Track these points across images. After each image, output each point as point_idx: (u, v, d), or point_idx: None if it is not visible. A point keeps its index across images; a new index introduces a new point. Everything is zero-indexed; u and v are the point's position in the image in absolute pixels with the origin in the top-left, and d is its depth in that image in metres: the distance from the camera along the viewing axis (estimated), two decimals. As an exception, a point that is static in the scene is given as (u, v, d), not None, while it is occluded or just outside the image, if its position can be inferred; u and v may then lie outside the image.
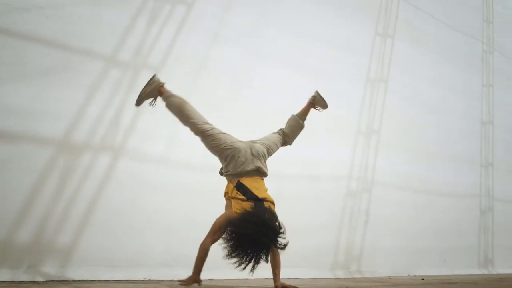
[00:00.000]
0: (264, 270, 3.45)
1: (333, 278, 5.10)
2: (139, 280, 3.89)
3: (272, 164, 5.03)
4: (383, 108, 6.33)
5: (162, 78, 4.38)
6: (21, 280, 3.34)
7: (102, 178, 3.95)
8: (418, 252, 6.32)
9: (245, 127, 4.93)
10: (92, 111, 4.00)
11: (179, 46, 4.64)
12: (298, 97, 5.45)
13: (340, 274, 5.30)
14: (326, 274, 5.14)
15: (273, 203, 3.35)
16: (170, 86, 4.38)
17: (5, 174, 3.47)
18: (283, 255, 4.85)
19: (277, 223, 3.09)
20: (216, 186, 4.54)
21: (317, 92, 3.89)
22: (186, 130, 4.00)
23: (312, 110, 3.93)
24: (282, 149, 5.16)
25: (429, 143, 6.80)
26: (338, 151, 5.71)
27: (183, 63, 4.68)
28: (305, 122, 3.89)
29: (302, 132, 5.37)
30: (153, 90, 3.47)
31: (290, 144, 3.93)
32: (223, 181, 4.60)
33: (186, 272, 3.27)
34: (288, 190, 5.10)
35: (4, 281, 3.25)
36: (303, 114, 3.87)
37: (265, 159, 3.54)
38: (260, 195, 3.25)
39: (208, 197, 4.32)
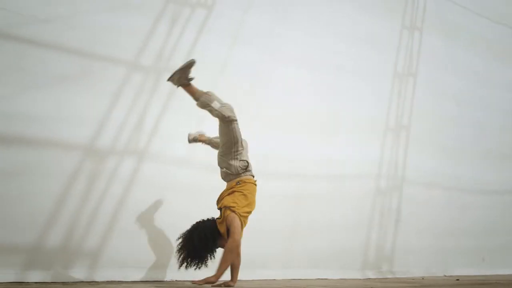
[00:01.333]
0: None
1: (363, 279, 4.99)
2: (166, 281, 3.94)
3: (294, 164, 5.01)
4: (412, 103, 6.14)
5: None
6: (51, 281, 3.45)
7: (127, 181, 4.02)
8: (454, 251, 6.09)
9: (266, 129, 4.94)
10: (116, 115, 4.08)
11: (199, 49, 4.66)
12: (321, 96, 5.43)
13: (371, 274, 5.17)
14: (355, 274, 5.03)
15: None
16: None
17: (33, 179, 3.59)
18: (310, 255, 4.84)
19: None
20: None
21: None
22: (210, 130, 4.05)
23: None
24: (304, 148, 5.15)
25: (461, 138, 6.54)
26: (365, 149, 5.58)
27: (203, 65, 4.62)
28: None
29: (325, 131, 5.34)
30: (182, 77, 3.40)
31: None
32: None
33: (208, 273, 3.27)
34: (312, 189, 5.05)
35: (36, 282, 3.37)
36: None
37: None
38: None
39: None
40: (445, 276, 5.73)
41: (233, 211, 3.26)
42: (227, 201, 3.33)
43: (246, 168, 3.49)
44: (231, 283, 3.36)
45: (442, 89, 6.52)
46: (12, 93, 3.67)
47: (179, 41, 4.60)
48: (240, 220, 3.26)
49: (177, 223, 4.13)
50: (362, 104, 5.71)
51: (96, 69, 4.07)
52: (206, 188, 4.37)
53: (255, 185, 3.52)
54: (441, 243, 5.99)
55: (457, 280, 5.15)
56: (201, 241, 3.23)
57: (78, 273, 3.60)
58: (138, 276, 3.83)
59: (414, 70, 6.26)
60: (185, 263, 3.28)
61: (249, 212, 3.41)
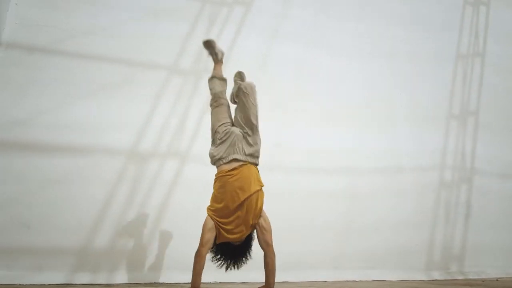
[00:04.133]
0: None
1: (428, 280, 4.58)
2: (209, 282, 3.92)
3: (345, 158, 4.75)
4: (480, 86, 5.55)
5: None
6: (98, 283, 3.59)
7: (170, 183, 4.08)
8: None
9: (314, 123, 4.74)
10: (158, 119, 4.17)
11: (239, 47, 4.62)
12: (374, 86, 5.10)
13: (437, 275, 4.74)
14: (418, 275, 4.64)
15: None
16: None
17: (79, 185, 3.78)
18: (365, 255, 4.55)
19: None
20: (281, 186, 4.43)
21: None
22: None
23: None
24: (357, 141, 4.86)
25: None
26: (424, 138, 5.14)
27: (244, 63, 4.60)
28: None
29: (379, 121, 5.00)
30: (214, 53, 3.55)
31: None
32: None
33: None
34: (365, 184, 4.77)
35: (83, 284, 3.53)
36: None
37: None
38: None
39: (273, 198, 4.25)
40: (529, 277, 5.10)
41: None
42: None
43: (214, 159, 3.16)
44: None
45: (515, 67, 5.82)
46: (59, 105, 3.90)
47: (218, 40, 4.55)
48: (213, 219, 2.95)
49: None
50: (421, 91, 5.28)
51: (136, 76, 4.20)
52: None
53: (228, 175, 3.04)
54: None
55: (540, 282, 4.55)
56: None
57: (122, 275, 3.71)
58: (182, 278, 3.84)
59: (481, 49, 5.66)
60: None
61: (218, 209, 2.98)
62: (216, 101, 3.33)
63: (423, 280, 4.56)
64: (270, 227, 3.07)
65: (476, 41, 5.65)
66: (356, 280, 4.35)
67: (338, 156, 4.78)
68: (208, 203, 3.08)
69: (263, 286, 3.05)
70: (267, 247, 3.00)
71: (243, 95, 3.21)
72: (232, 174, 3.02)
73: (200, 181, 4.18)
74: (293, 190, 4.48)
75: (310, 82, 4.86)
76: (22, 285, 3.36)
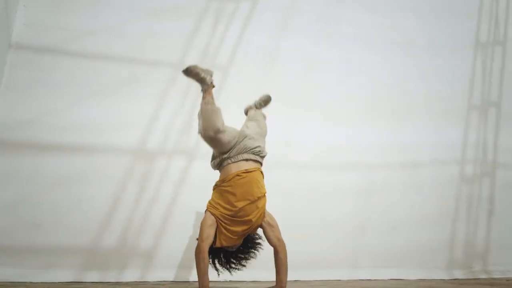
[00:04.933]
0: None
1: (448, 280, 4.37)
2: (220, 281, 3.85)
3: (357, 153, 4.61)
4: (502, 75, 5.29)
5: (231, 77, 4.43)
6: (107, 281, 3.59)
7: (177, 181, 4.05)
8: None
9: (326, 118, 4.64)
10: (164, 117, 4.15)
11: (246, 43, 4.57)
12: (388, 78, 4.94)
13: (459, 274, 4.51)
14: (438, 274, 4.43)
15: None
16: (241, 85, 4.37)
17: (88, 184, 3.79)
18: (381, 253, 4.39)
19: None
20: (293, 183, 4.34)
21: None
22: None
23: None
24: (371, 136, 4.71)
25: None
26: (444, 131, 4.92)
27: (252, 59, 4.58)
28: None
29: (394, 115, 4.83)
30: (200, 79, 3.11)
31: None
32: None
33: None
34: (381, 180, 4.61)
35: (92, 282, 3.53)
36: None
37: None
38: None
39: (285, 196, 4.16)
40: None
41: (206, 209, 2.96)
42: None
43: (219, 159, 3.09)
44: None
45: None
46: (67, 106, 3.94)
47: (224, 37, 4.54)
48: (214, 216, 2.86)
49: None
50: (439, 82, 5.07)
51: (143, 74, 4.19)
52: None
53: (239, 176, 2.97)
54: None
55: None
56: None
57: (131, 274, 3.69)
58: (191, 276, 3.81)
59: (502, 37, 5.39)
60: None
61: (224, 208, 2.89)
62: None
63: (443, 279, 4.36)
64: (276, 223, 3.00)
65: (497, 29, 5.39)
66: (371, 279, 4.19)
67: (352, 152, 4.64)
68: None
69: (274, 286, 2.95)
70: (278, 242, 2.93)
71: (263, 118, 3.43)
72: (242, 176, 2.96)
73: (207, 179, 4.12)
74: (305, 187, 4.38)
75: (321, 76, 4.74)
76: (32, 283, 3.40)
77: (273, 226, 2.96)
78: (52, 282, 3.44)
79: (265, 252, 3.07)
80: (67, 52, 4.04)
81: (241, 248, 3.01)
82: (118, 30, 4.20)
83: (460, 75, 5.15)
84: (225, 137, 2.98)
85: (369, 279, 4.18)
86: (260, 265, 3.24)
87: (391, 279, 4.23)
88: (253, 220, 2.90)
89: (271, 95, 3.59)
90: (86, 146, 3.88)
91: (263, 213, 2.96)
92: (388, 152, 4.70)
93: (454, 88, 5.08)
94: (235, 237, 2.91)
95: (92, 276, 3.57)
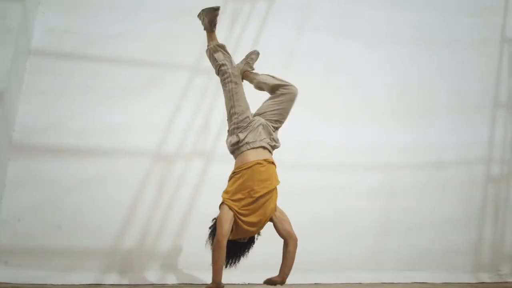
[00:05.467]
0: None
1: (475, 283, 4.23)
2: (239, 283, 3.83)
3: (379, 154, 4.51)
4: (530, 70, 5.10)
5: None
6: (126, 283, 3.61)
7: (195, 183, 4.04)
8: None
9: (346, 118, 4.56)
10: (182, 119, 4.16)
11: (263, 43, 4.51)
12: (410, 76, 4.81)
13: (485, 277, 4.37)
14: (464, 278, 4.30)
15: None
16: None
17: (107, 187, 3.83)
18: (404, 256, 4.27)
19: None
20: (313, 184, 4.28)
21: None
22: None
23: None
24: (393, 135, 4.60)
25: None
26: (469, 130, 4.79)
27: (269, 59, 4.48)
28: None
29: (417, 113, 4.72)
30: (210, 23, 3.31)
31: None
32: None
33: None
34: (404, 181, 4.51)
35: (112, 284, 3.55)
36: None
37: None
38: None
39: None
40: None
41: (222, 202, 2.89)
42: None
43: (238, 144, 2.96)
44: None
45: None
46: (85, 110, 3.98)
47: (241, 38, 4.51)
48: (232, 209, 2.80)
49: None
50: (463, 79, 4.94)
51: (160, 77, 4.21)
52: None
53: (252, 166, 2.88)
54: None
55: None
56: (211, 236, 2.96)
57: (151, 276, 3.70)
58: (209, 278, 3.78)
59: (529, 31, 5.20)
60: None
61: (241, 199, 2.82)
62: (233, 78, 3.14)
63: (469, 283, 4.23)
64: (286, 216, 2.95)
65: (525, 23, 5.20)
66: (394, 282, 4.09)
67: (373, 152, 4.56)
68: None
69: (276, 276, 2.87)
70: (289, 235, 2.88)
71: (291, 99, 3.15)
72: (262, 164, 2.89)
73: (225, 181, 4.13)
74: (326, 189, 4.32)
75: (340, 75, 4.68)
76: (53, 285, 3.43)
77: (283, 219, 2.93)
78: (72, 284, 3.47)
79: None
80: (86, 57, 4.09)
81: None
82: (135, 34, 4.23)
83: (485, 72, 5.00)
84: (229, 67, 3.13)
85: (392, 283, 4.08)
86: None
87: (414, 283, 4.12)
88: (268, 212, 2.85)
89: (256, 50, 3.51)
90: (105, 150, 3.92)
91: (275, 205, 2.92)
92: (411, 152, 4.61)
93: (480, 85, 4.94)
94: (253, 228, 2.86)
95: (111, 279, 3.60)
